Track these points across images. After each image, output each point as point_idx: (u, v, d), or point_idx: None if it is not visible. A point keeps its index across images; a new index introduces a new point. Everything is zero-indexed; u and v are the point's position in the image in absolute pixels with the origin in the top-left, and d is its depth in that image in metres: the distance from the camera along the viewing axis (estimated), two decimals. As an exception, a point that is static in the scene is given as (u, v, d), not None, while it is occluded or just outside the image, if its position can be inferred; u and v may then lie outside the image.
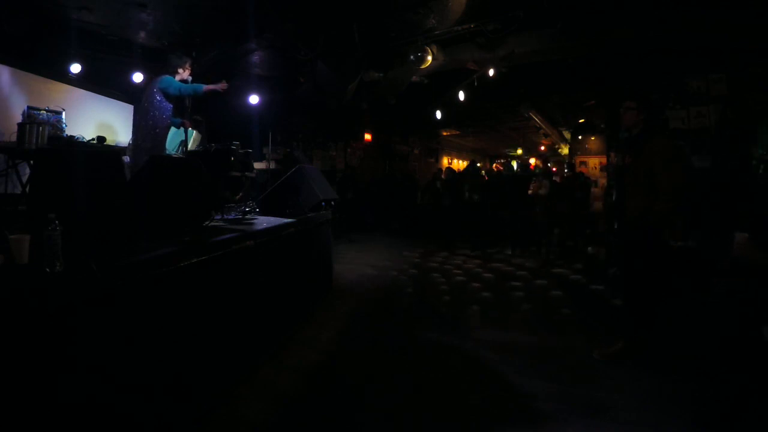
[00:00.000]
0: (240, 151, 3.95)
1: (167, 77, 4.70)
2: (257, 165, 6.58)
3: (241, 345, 2.79)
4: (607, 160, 8.11)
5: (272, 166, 8.53)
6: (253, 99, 8.67)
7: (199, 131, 5.41)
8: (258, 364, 2.99)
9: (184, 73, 4.80)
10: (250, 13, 5.88)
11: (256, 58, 7.88)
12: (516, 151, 21.17)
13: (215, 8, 5.91)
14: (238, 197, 4.16)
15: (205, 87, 4.62)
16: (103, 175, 2.20)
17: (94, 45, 6.68)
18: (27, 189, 4.22)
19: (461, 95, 8.46)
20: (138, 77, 6.63)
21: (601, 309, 4.54)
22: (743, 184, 4.77)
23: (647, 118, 3.16)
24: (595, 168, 12.61)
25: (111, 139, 6.16)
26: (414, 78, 8.08)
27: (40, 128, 4.42)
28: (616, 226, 3.32)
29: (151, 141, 4.63)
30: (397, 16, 6.22)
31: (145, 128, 4.68)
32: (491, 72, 7.25)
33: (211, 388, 2.44)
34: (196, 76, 5.47)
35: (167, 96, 4.69)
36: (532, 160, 17.67)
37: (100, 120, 7.18)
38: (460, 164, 19.38)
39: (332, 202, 5.32)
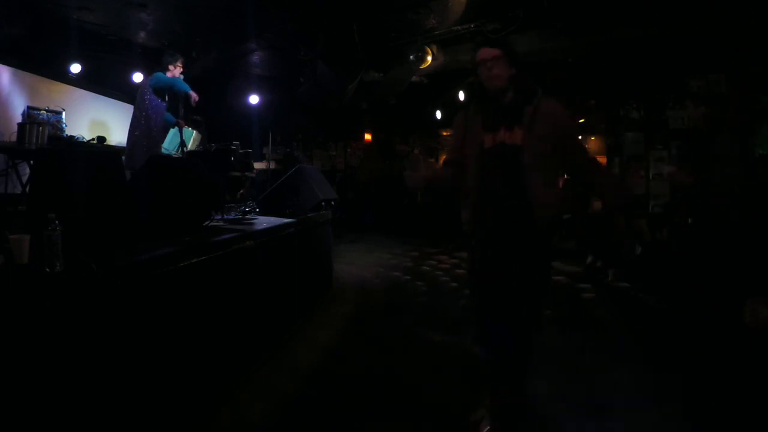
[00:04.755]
0: (240, 151, 3.95)
1: (157, 73, 4.73)
2: (257, 165, 6.58)
3: (241, 345, 2.79)
4: (608, 160, 8.10)
5: (272, 166, 8.53)
6: (253, 99, 8.68)
7: (199, 131, 5.42)
8: (258, 364, 2.99)
9: (175, 71, 4.82)
10: (250, 13, 5.89)
11: (256, 58, 7.89)
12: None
13: (215, 8, 5.92)
14: (238, 197, 4.17)
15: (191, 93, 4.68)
16: (103, 175, 2.20)
17: (94, 45, 6.69)
18: (27, 189, 4.22)
19: (461, 95, 8.46)
20: (138, 77, 6.64)
21: (597, 310, 4.54)
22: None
23: (519, 75, 2.11)
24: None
25: (111, 139, 6.16)
26: (414, 78, 8.08)
27: (40, 128, 4.43)
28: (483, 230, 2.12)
29: (146, 141, 4.65)
30: (397, 16, 6.23)
31: (141, 128, 4.70)
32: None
33: (211, 388, 2.45)
34: (197, 77, 5.48)
35: (160, 92, 4.71)
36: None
37: (100, 120, 7.19)
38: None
39: (332, 202, 5.32)
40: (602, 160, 11.41)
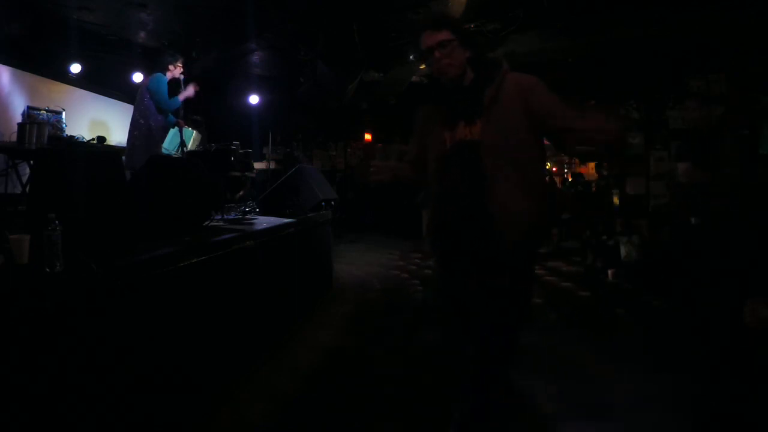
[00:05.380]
0: (240, 151, 3.95)
1: (158, 75, 4.74)
2: (257, 165, 6.58)
3: (241, 345, 2.79)
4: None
5: (272, 166, 8.53)
6: (253, 99, 8.68)
7: (199, 131, 5.42)
8: (258, 364, 2.99)
9: (175, 71, 4.83)
10: (250, 13, 5.89)
11: (256, 58, 7.90)
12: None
13: (215, 8, 5.92)
14: (238, 197, 4.17)
15: (180, 98, 4.73)
16: (103, 175, 2.20)
17: (94, 45, 6.69)
18: (27, 189, 4.22)
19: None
20: (138, 77, 6.65)
21: (596, 312, 4.55)
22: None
23: (477, 55, 1.76)
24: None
25: (111, 139, 6.17)
26: (414, 78, 8.09)
27: (40, 128, 4.42)
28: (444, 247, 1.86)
29: (146, 141, 4.65)
30: (397, 16, 6.23)
31: (140, 128, 4.71)
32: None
33: (211, 388, 2.45)
34: (197, 77, 5.47)
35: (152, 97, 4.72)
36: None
37: (100, 120, 7.19)
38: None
39: (332, 202, 5.32)
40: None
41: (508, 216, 1.61)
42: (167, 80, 4.78)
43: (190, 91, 4.77)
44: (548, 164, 10.83)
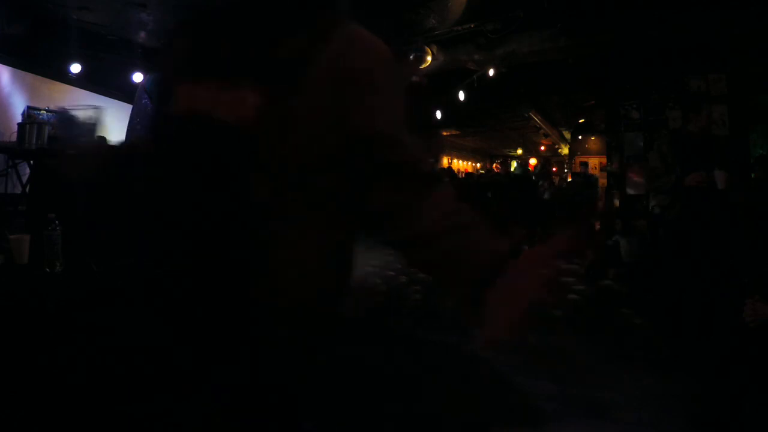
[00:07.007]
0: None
1: (154, 75, 4.75)
2: (257, 165, 6.59)
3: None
4: (608, 160, 8.11)
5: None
6: (253, 99, 8.69)
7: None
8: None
9: None
10: (250, 13, 5.89)
11: (256, 58, 7.90)
12: (516, 151, 21.17)
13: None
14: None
15: None
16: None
17: (94, 45, 6.69)
18: (27, 189, 4.22)
19: (461, 95, 8.47)
20: (138, 77, 6.65)
21: (596, 311, 4.55)
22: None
23: None
24: (595, 168, 12.60)
25: (111, 139, 6.17)
26: (414, 78, 8.09)
27: (40, 128, 4.43)
28: None
29: None
30: (396, 16, 6.23)
31: (137, 128, 4.72)
32: (491, 72, 7.26)
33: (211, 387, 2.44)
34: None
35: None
36: (533, 161, 17.66)
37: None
38: (460, 164, 19.39)
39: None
40: (603, 159, 11.38)
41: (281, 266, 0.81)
42: None
43: None
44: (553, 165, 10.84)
